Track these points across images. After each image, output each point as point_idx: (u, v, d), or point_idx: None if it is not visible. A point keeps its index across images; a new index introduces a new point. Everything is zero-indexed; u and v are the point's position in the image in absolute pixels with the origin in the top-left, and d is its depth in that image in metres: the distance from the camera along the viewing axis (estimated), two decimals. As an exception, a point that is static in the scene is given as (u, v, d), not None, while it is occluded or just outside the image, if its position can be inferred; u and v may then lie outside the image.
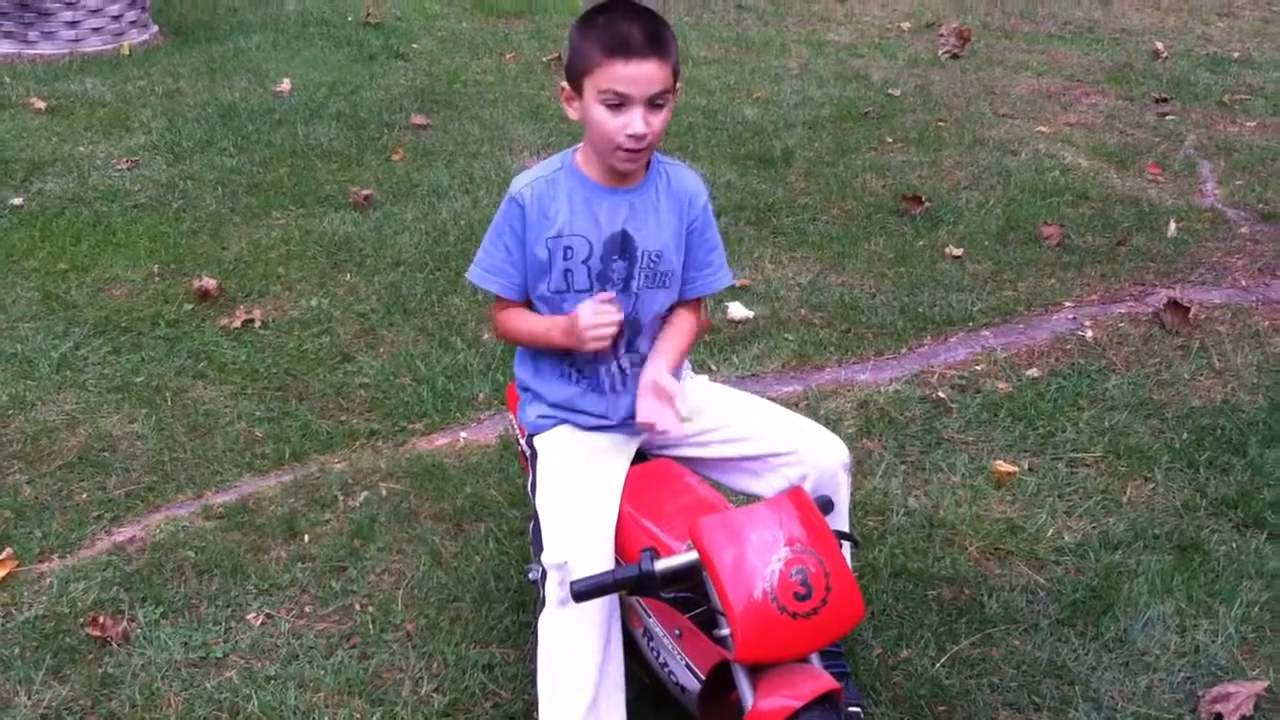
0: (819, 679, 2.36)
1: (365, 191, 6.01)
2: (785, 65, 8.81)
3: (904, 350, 4.55)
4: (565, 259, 2.59)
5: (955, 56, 9.17)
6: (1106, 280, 5.16)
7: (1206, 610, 3.23)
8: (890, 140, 7.11)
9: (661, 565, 2.32)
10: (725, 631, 2.34)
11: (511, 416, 3.02)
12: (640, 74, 2.40)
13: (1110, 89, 8.45)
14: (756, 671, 2.35)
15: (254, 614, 3.18)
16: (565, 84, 2.51)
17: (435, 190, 6.14)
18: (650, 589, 2.35)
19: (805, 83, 8.31)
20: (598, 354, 2.63)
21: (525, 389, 2.80)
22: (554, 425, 2.74)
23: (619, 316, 2.52)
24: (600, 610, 2.48)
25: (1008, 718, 2.89)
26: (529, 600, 3.16)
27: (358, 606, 3.21)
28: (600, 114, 2.44)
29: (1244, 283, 5.05)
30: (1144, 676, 3.01)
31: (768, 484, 2.72)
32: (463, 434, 3.98)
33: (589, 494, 2.57)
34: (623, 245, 2.60)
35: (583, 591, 2.34)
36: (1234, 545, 3.49)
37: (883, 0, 11.39)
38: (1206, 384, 4.35)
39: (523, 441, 2.89)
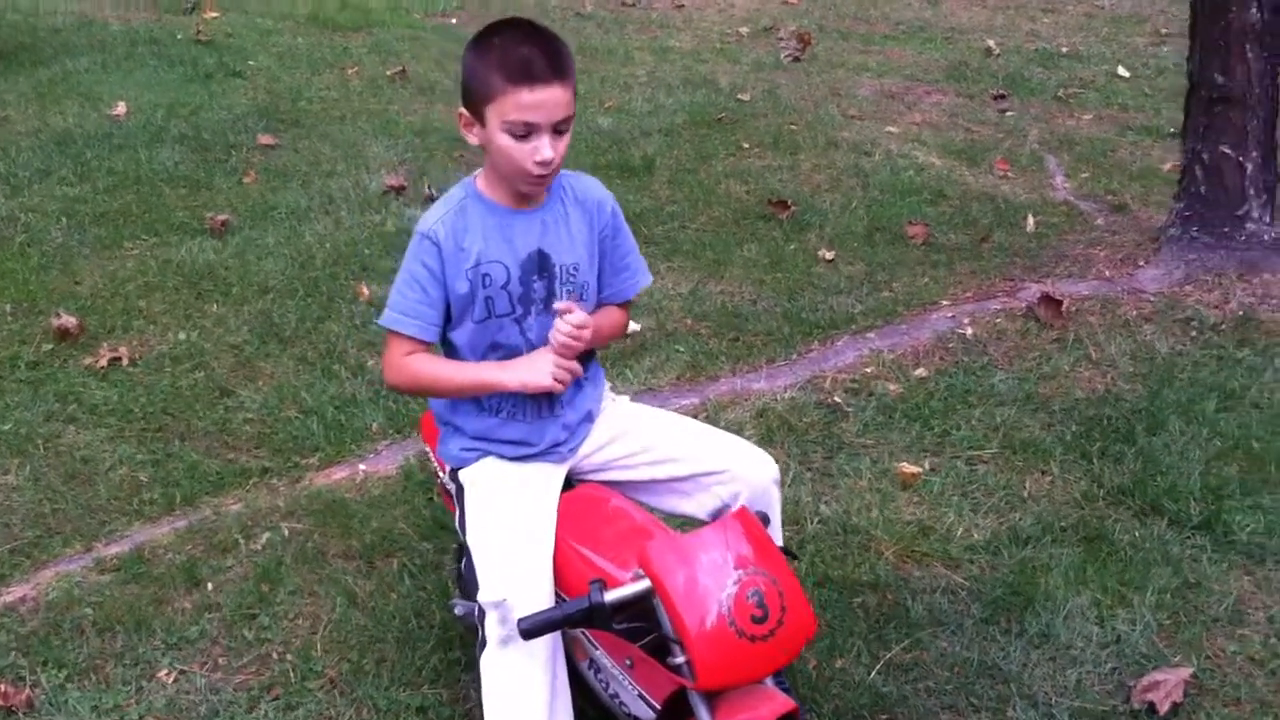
0: (776, 699, 2.34)
1: (221, 217, 5.81)
2: (633, 73, 8.81)
3: (794, 356, 4.57)
4: (485, 287, 2.51)
5: (797, 59, 9.29)
6: (977, 277, 5.26)
7: (1121, 599, 3.30)
8: (747, 145, 7.16)
9: (611, 596, 2.27)
10: (680, 659, 2.29)
11: (430, 450, 2.92)
12: (546, 100, 2.32)
13: (950, 87, 8.66)
14: (714, 696, 2.31)
15: (165, 671, 3.04)
16: (463, 110, 2.42)
17: (294, 212, 5.97)
18: (601, 621, 2.29)
19: (655, 90, 8.32)
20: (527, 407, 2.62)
21: (443, 422, 2.72)
22: (478, 458, 2.66)
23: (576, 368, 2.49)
24: (545, 647, 2.42)
25: (929, 714, 2.89)
26: (454, 636, 3.09)
27: (275, 655, 3.09)
28: (506, 142, 2.37)
29: (1108, 274, 5.20)
30: (1073, 670, 3.06)
31: (699, 504, 2.69)
32: (361, 466, 3.86)
33: (523, 527, 2.49)
34: (540, 264, 2.54)
35: (531, 629, 2.27)
36: (1137, 534, 3.58)
37: (719, 5, 11.46)
38: (1086, 375, 4.47)
39: (444, 476, 2.81)
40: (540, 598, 2.40)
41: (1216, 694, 2.99)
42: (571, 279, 2.58)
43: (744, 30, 10.37)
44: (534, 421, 2.65)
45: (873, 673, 3.03)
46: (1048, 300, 4.82)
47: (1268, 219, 5.09)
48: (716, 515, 2.68)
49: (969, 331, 4.74)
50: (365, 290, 5.02)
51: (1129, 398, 4.30)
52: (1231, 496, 3.72)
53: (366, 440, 4.01)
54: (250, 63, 8.94)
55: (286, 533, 3.53)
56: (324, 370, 4.42)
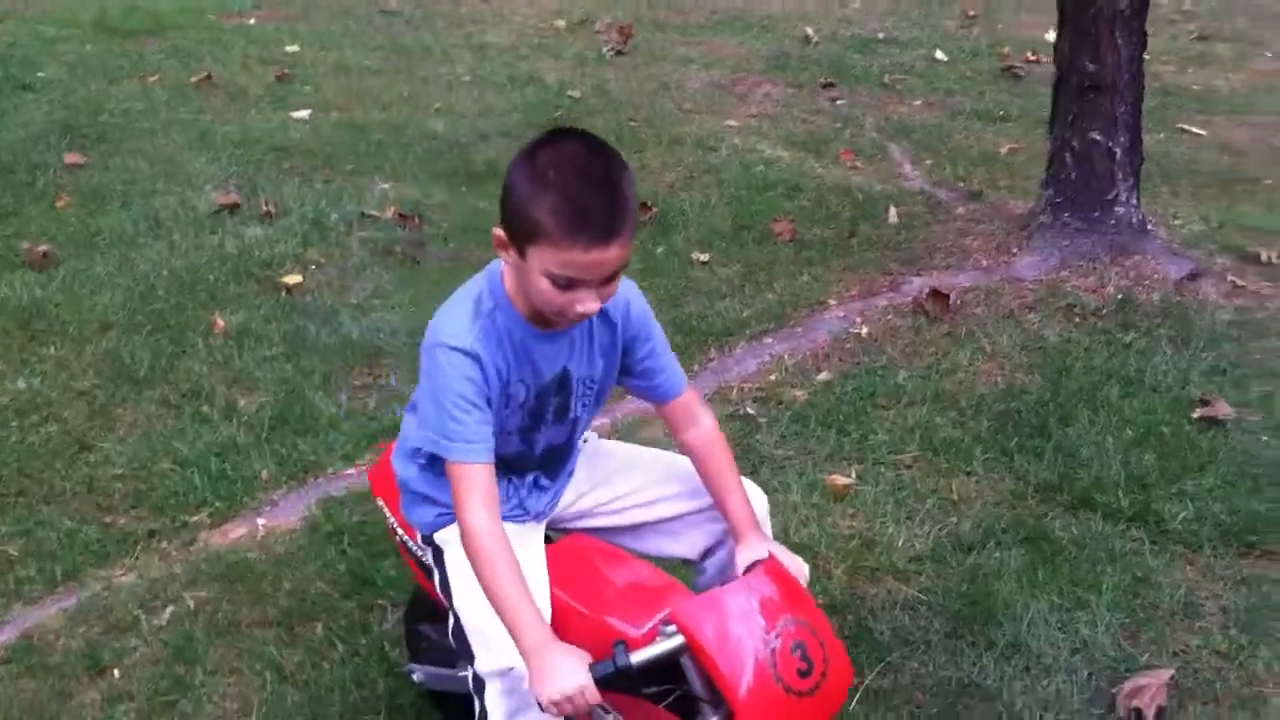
0: None
1: (41, 247, 5.33)
2: (454, 72, 8.51)
3: (695, 367, 4.42)
4: (506, 407, 2.29)
5: (620, 53, 9.14)
6: (855, 273, 5.20)
7: (1077, 601, 3.26)
8: (590, 144, 6.93)
9: (639, 657, 2.09)
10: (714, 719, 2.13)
11: (387, 511, 2.66)
12: (602, 260, 2.03)
13: (777, 77, 8.63)
14: None
15: (82, 776, 2.67)
16: (500, 231, 2.12)
17: (121, 238, 5.52)
18: (628, 684, 2.12)
19: (481, 90, 8.05)
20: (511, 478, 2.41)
21: (409, 490, 2.47)
22: (453, 520, 2.40)
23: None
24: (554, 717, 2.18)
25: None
26: (406, 704, 2.84)
27: (204, 748, 2.75)
28: (545, 288, 2.08)
29: (985, 263, 5.20)
30: (1049, 681, 3.00)
31: (690, 544, 2.54)
32: (260, 521, 3.55)
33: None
34: (560, 382, 2.33)
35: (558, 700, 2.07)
36: (1075, 531, 3.55)
37: (530, -1, 11.23)
38: (985, 369, 4.44)
39: (414, 542, 2.57)
40: None
41: (1194, 693, 2.97)
42: (589, 390, 2.39)
43: (560, 24, 10.16)
44: (523, 498, 2.44)
45: (853, 703, 2.88)
46: (935, 294, 4.78)
47: (1135, 202, 5.16)
48: (707, 555, 2.55)
49: (863, 331, 4.67)
50: (221, 322, 4.66)
51: (1032, 389, 4.29)
52: (1156, 485, 3.72)
53: (258, 490, 3.69)
54: (40, 74, 8.29)
55: (191, 604, 3.20)
56: (192, 414, 4.07)
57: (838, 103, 7.96)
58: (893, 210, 5.82)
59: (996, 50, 9.30)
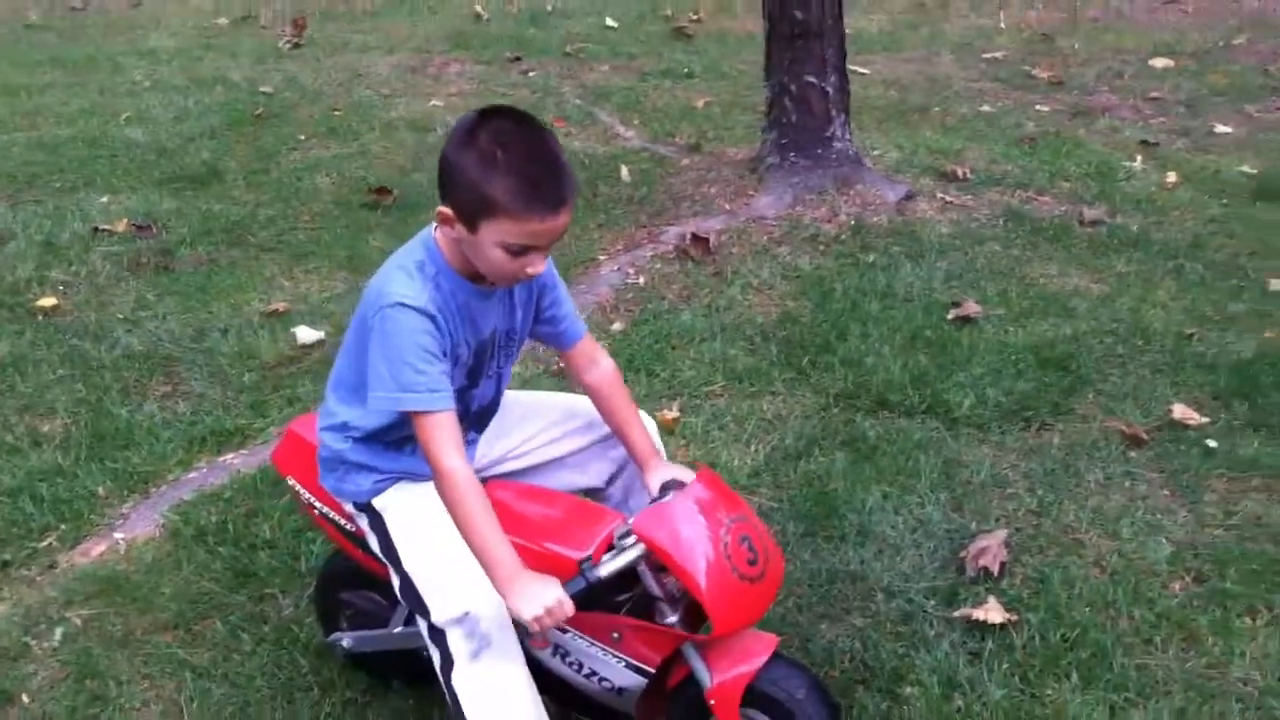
0: (763, 638, 2.48)
1: None
2: (132, 80, 8.25)
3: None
4: (454, 366, 2.40)
5: (297, 45, 9.08)
6: (611, 230, 5.47)
7: (903, 488, 3.63)
8: (304, 137, 6.96)
9: (605, 570, 2.31)
10: (673, 618, 2.40)
11: (300, 489, 2.73)
12: (555, 227, 2.21)
13: (463, 55, 8.81)
14: (703, 648, 2.41)
15: (31, 806, 2.63)
16: (447, 209, 2.24)
17: None
18: (598, 597, 2.35)
19: (167, 95, 7.85)
20: None
21: (342, 461, 2.54)
22: (390, 484, 2.53)
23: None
24: (516, 645, 2.39)
25: (828, 628, 3.09)
26: (335, 673, 2.92)
27: (146, 754, 2.76)
28: (498, 257, 2.22)
29: (728, 207, 5.57)
30: (901, 557, 3.34)
31: (595, 473, 2.74)
32: (117, 535, 3.49)
33: (459, 538, 2.35)
34: (491, 339, 2.47)
35: None
36: (881, 429, 3.93)
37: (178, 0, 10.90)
38: (757, 301, 4.80)
39: (337, 515, 2.66)
40: (497, 601, 2.33)
41: (1025, 547, 3.38)
42: (509, 344, 2.54)
43: (222, 21, 9.97)
44: None
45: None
46: (696, 239, 5.11)
47: (848, 136, 5.65)
48: (611, 481, 2.76)
49: (640, 280, 4.94)
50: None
51: (803, 314, 4.67)
52: (936, 380, 4.16)
53: (101, 507, 3.62)
54: None
55: (78, 622, 3.15)
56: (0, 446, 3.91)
57: (530, 74, 8.19)
58: (624, 169, 6.12)
59: (660, 13, 9.72)
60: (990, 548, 3.31)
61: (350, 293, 4.95)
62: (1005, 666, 2.92)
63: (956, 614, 3.08)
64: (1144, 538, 3.39)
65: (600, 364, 2.66)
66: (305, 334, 4.53)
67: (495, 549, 2.27)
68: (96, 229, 5.60)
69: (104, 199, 6.04)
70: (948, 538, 3.42)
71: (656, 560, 2.37)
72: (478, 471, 2.63)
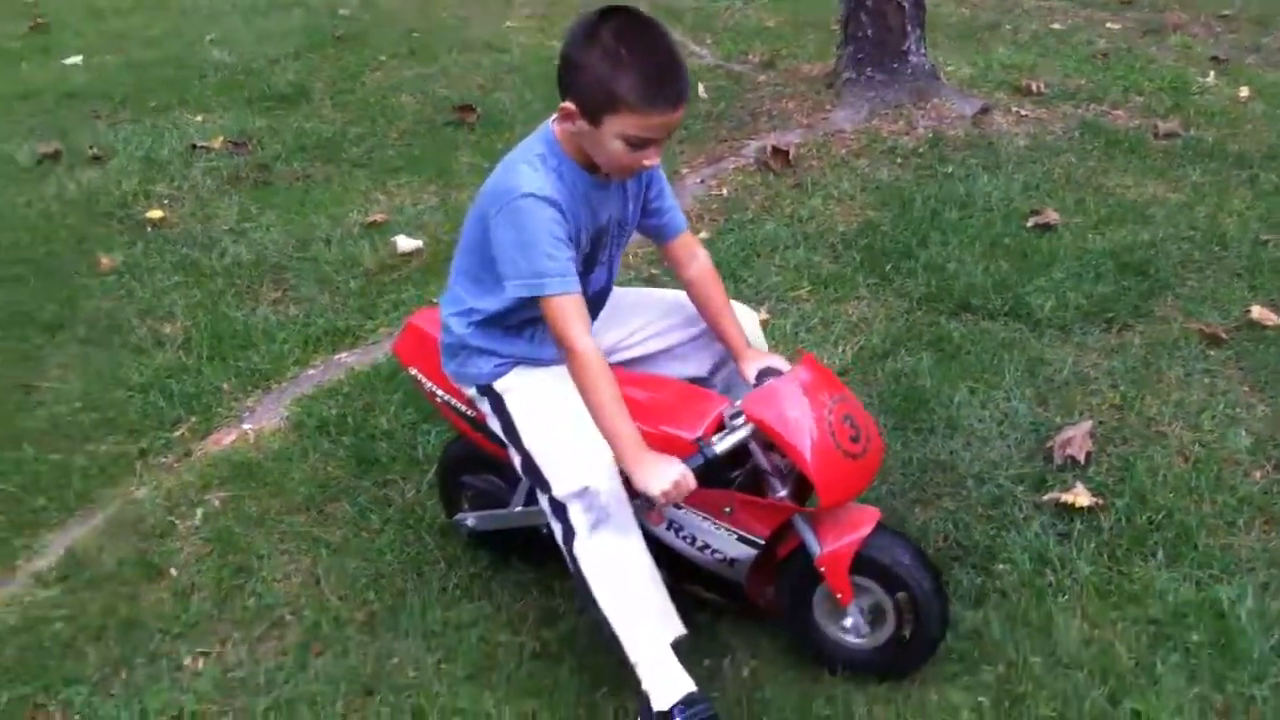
0: (867, 511, 2.64)
1: None
2: (212, 3, 8.42)
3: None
4: (575, 252, 2.53)
5: (368, -32, 9.15)
6: (693, 144, 5.60)
7: (989, 384, 3.77)
8: (384, 58, 7.12)
9: (721, 447, 2.47)
10: (783, 491, 2.56)
11: (422, 378, 2.91)
12: (673, 121, 2.35)
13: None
14: (813, 520, 2.57)
15: (190, 659, 2.87)
16: (570, 104, 2.37)
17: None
18: (712, 474, 2.50)
19: (248, 18, 8.05)
20: None
21: (464, 346, 2.70)
22: (510, 368, 2.69)
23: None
24: (633, 519, 2.55)
25: (922, 512, 3.25)
26: (457, 554, 3.13)
27: (289, 617, 2.99)
28: (618, 149, 2.36)
29: (805, 121, 5.69)
30: (989, 447, 3.49)
31: (698, 363, 2.89)
32: (245, 426, 3.71)
33: (580, 416, 2.53)
34: (606, 227, 2.62)
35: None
36: (965, 330, 4.07)
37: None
38: (838, 211, 4.93)
39: (458, 401, 2.83)
40: (615, 475, 2.51)
41: (1110, 439, 3.51)
42: (622, 232, 2.69)
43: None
44: None
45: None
46: (776, 151, 5.24)
47: (924, 51, 5.74)
48: (715, 371, 2.90)
49: (723, 191, 5.08)
50: (105, 260, 4.70)
51: (884, 223, 4.80)
52: (1018, 285, 4.28)
53: (228, 401, 3.84)
54: None
55: (217, 503, 3.37)
56: (122, 345, 4.16)
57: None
58: (701, 86, 6.23)
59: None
60: (1076, 438, 3.45)
61: (443, 205, 5.13)
62: (1093, 546, 3.06)
63: (1045, 498, 3.23)
64: (1224, 429, 3.51)
65: (699, 258, 2.82)
66: (404, 243, 4.71)
67: (623, 428, 2.43)
68: (194, 146, 5.79)
69: (198, 118, 6.24)
70: (1033, 430, 3.56)
71: (766, 438, 2.52)
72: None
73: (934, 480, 3.36)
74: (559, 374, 2.60)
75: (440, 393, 2.89)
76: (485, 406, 2.73)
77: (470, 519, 3.03)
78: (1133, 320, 4.09)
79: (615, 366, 2.79)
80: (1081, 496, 3.21)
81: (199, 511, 3.33)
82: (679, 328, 2.87)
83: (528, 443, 2.61)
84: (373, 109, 6.22)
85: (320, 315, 4.25)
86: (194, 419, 3.74)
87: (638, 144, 2.36)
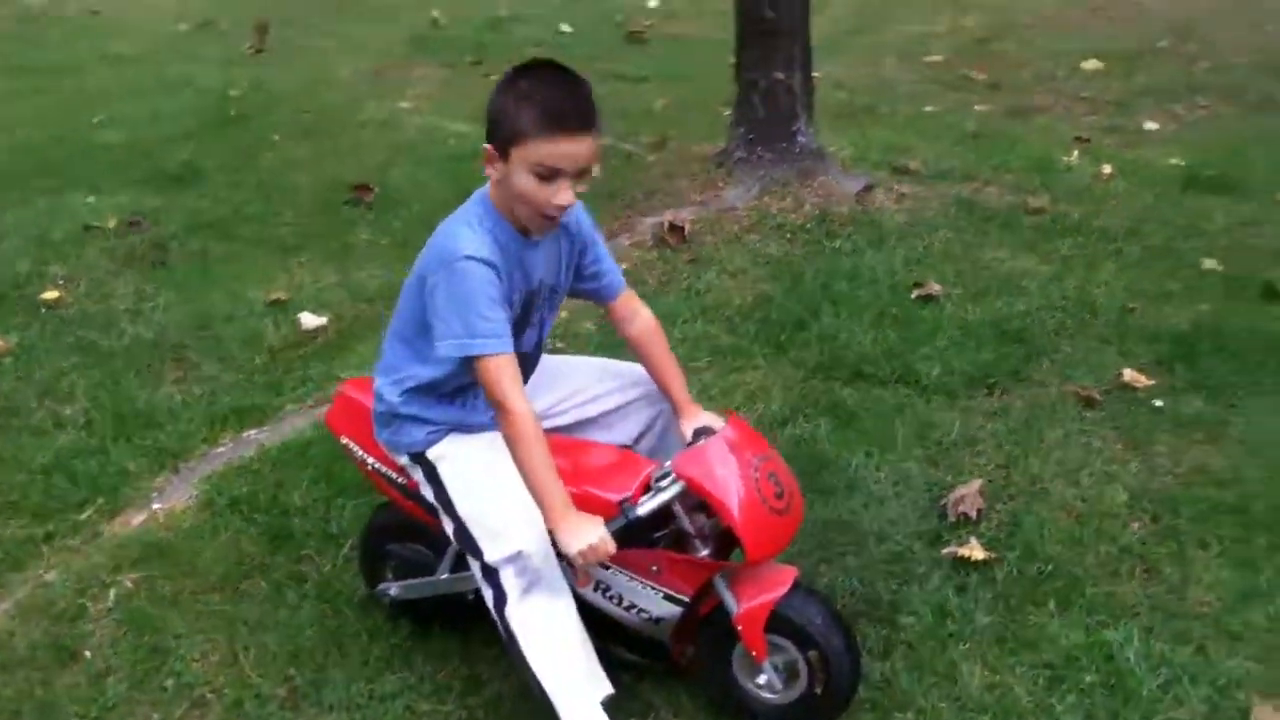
0: (783, 570, 2.77)
1: None
2: (101, 84, 8.46)
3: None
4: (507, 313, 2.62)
5: (260, 51, 9.25)
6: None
7: (884, 447, 3.95)
8: (279, 138, 7.18)
9: (644, 509, 2.58)
10: (705, 552, 2.67)
11: (355, 447, 2.99)
12: (576, 150, 2.43)
13: (424, 60, 9.10)
14: (730, 579, 2.69)
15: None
16: (489, 146, 2.50)
17: None
18: (638, 534, 2.62)
19: (139, 99, 8.05)
20: None
21: (396, 415, 2.78)
22: (443, 436, 2.77)
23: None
24: (564, 582, 2.65)
25: (827, 570, 3.39)
26: (379, 625, 3.18)
27: (210, 696, 3.00)
28: (529, 184, 2.45)
29: (698, 198, 5.88)
30: (887, 507, 3.65)
31: (623, 432, 2.99)
32: (155, 506, 3.72)
33: (513, 483, 2.62)
34: (538, 291, 2.72)
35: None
36: (859, 397, 4.25)
37: (138, 6, 11.04)
38: (732, 285, 5.12)
39: (390, 469, 2.90)
40: (545, 539, 2.60)
41: (999, 495, 3.70)
42: (552, 298, 2.79)
43: (183, 28, 10.12)
44: None
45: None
46: (672, 228, 5.41)
47: (810, 130, 5.98)
48: (639, 439, 3.00)
49: (623, 267, 5.17)
50: (1, 342, 4.68)
51: (776, 295, 4.99)
52: (905, 353, 4.48)
53: (135, 481, 3.84)
54: None
55: (129, 584, 3.37)
56: (21, 429, 4.13)
57: (492, 77, 8.25)
58: (594, 166, 6.38)
59: (612, 20, 10.03)
60: (968, 495, 3.64)
61: (344, 283, 5.20)
62: (990, 597, 3.23)
63: (943, 553, 3.40)
64: (1102, 486, 3.72)
65: (641, 315, 2.94)
66: (309, 320, 4.78)
67: (552, 488, 2.52)
68: (87, 226, 5.79)
69: (90, 198, 6.24)
70: (927, 490, 3.73)
71: (690, 499, 2.64)
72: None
73: (837, 539, 3.50)
74: (491, 440, 2.70)
75: (371, 461, 2.96)
76: (418, 474, 2.80)
77: (394, 588, 3.09)
78: (1012, 385, 4.31)
79: (546, 432, 2.90)
80: (976, 551, 3.38)
81: (111, 593, 3.33)
82: (610, 395, 2.97)
83: (461, 509, 2.69)
84: (268, 187, 6.28)
85: (225, 393, 4.29)
86: (101, 500, 3.74)
87: (545, 175, 2.45)
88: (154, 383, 4.41)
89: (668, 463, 2.67)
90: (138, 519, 3.66)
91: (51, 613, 3.28)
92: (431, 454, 2.75)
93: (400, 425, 2.77)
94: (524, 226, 2.59)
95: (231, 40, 9.51)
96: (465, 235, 2.54)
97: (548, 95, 2.43)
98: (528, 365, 2.83)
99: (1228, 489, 3.67)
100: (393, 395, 2.75)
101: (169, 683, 3.03)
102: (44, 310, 5.00)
